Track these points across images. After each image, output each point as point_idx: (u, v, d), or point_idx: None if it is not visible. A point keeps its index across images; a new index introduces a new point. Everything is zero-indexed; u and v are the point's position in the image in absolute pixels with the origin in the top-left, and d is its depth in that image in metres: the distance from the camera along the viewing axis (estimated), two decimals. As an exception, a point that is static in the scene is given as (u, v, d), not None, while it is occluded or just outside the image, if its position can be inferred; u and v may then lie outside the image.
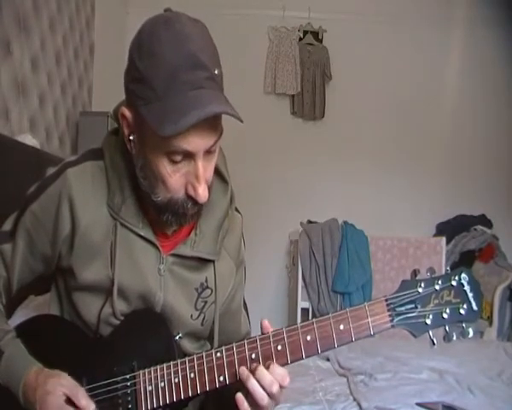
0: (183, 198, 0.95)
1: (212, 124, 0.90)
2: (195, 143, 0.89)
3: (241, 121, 0.88)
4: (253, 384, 0.89)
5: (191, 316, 1.08)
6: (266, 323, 0.94)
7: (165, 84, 0.86)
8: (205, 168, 0.93)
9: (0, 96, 2.25)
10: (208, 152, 0.93)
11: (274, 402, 0.92)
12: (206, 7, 3.69)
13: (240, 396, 0.91)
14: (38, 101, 2.62)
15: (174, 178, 0.93)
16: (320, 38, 4.25)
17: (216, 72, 0.90)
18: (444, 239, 3.82)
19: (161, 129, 0.86)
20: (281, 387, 0.91)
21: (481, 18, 4.12)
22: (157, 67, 0.87)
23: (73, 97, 3.10)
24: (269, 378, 0.89)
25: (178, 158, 0.91)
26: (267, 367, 0.90)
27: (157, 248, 1.04)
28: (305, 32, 4.24)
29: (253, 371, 0.90)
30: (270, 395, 0.90)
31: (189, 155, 0.91)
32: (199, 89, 0.87)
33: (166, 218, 0.97)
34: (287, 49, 4.22)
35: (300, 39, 4.24)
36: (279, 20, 4.22)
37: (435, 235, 4.15)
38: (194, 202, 0.95)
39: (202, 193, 0.93)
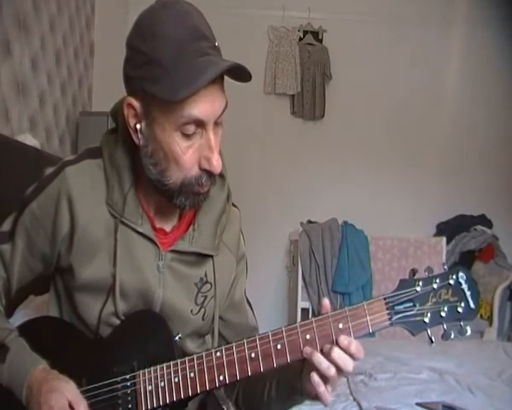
0: (197, 174, 0.96)
1: (219, 91, 0.94)
2: (206, 109, 0.92)
3: (250, 77, 0.94)
4: (318, 357, 0.89)
5: (191, 311, 1.08)
6: (327, 302, 0.93)
7: (174, 58, 0.89)
8: (215, 141, 0.95)
9: (0, 96, 2.25)
10: (216, 124, 0.95)
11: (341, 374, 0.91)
12: (206, 6, 3.67)
13: (313, 374, 0.90)
14: (38, 101, 2.62)
15: (187, 155, 0.94)
16: (320, 38, 4.25)
17: (216, 44, 0.95)
18: (444, 239, 3.82)
19: (176, 95, 0.88)
20: (356, 359, 0.90)
21: (481, 18, 4.12)
22: (163, 45, 0.89)
23: (73, 97, 3.10)
24: (344, 357, 0.88)
25: (191, 130, 0.92)
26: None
27: (156, 244, 1.04)
28: (305, 32, 4.24)
29: (329, 353, 0.89)
30: (344, 371, 0.89)
31: (200, 126, 0.93)
32: (206, 56, 0.91)
33: (180, 201, 0.98)
34: (287, 49, 4.22)
35: (300, 39, 4.24)
36: (279, 20, 4.22)
37: (435, 235, 4.15)
38: (209, 174, 0.97)
39: (217, 163, 0.95)
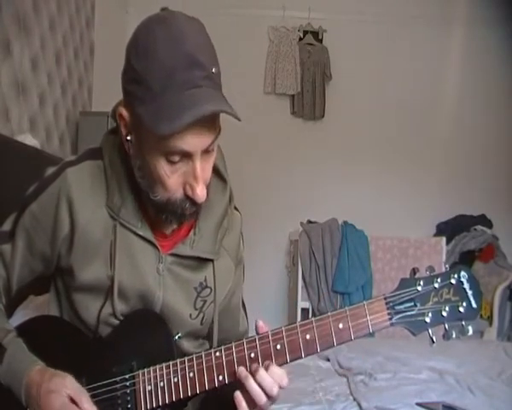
0: (182, 198, 0.94)
1: (210, 123, 0.89)
2: (192, 142, 0.88)
3: (239, 120, 0.88)
4: (251, 384, 0.90)
5: (190, 315, 1.08)
6: (261, 323, 0.93)
7: (162, 83, 0.86)
8: (203, 168, 0.92)
9: (0, 96, 2.25)
10: (206, 151, 0.92)
11: (271, 402, 0.92)
12: (206, 7, 3.69)
13: (238, 395, 0.91)
14: (38, 101, 2.62)
15: (172, 179, 0.92)
16: (320, 38, 4.25)
17: (213, 70, 0.90)
18: (444, 239, 3.82)
19: (157, 128, 0.86)
20: (280, 388, 0.91)
21: (481, 18, 4.12)
22: (153, 68, 0.86)
23: (73, 97, 3.10)
24: (269, 381, 0.89)
25: (176, 158, 0.90)
26: (266, 368, 0.90)
27: (156, 247, 1.04)
28: (305, 32, 4.24)
29: (253, 374, 0.90)
30: (269, 396, 0.90)
31: (186, 155, 0.90)
32: (196, 88, 0.87)
33: (166, 217, 0.98)
34: (287, 49, 4.22)
35: (300, 39, 4.24)
36: (279, 20, 4.22)
37: (435, 235, 4.15)
38: (193, 202, 0.94)
39: (200, 193, 0.92)
